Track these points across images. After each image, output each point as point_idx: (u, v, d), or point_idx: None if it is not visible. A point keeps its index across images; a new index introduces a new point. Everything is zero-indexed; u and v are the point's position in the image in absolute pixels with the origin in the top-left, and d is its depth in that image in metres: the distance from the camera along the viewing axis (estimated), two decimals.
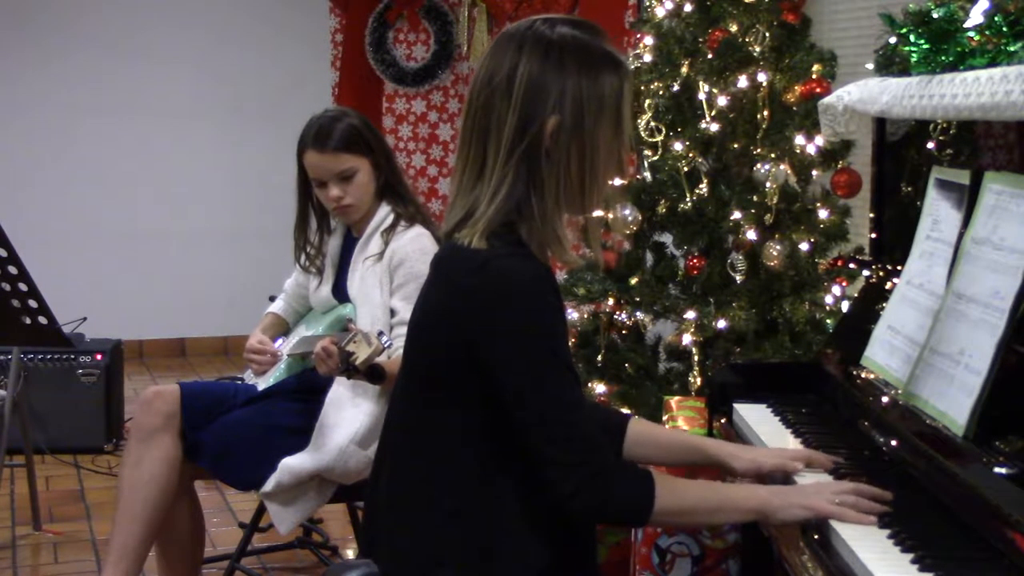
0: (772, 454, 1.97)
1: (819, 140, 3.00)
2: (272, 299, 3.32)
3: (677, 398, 2.82)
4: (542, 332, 1.71)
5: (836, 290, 3.00)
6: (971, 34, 1.91)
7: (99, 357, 4.77)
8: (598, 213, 2.14)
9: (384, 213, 3.01)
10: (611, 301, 3.29)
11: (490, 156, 1.74)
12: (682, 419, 2.69)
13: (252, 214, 6.57)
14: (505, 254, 1.71)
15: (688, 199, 3.16)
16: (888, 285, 2.27)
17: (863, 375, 2.16)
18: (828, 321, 2.98)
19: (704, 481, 1.93)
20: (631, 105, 1.84)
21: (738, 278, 3.09)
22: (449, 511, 1.77)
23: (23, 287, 3.36)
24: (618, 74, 1.77)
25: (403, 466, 1.82)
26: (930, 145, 2.23)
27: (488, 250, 1.71)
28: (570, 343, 2.12)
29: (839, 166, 2.96)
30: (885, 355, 2.09)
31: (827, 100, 2.42)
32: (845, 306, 2.84)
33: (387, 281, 2.94)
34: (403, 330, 2.84)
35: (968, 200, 1.94)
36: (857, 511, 1.71)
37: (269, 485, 2.85)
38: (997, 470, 1.61)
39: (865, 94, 2.24)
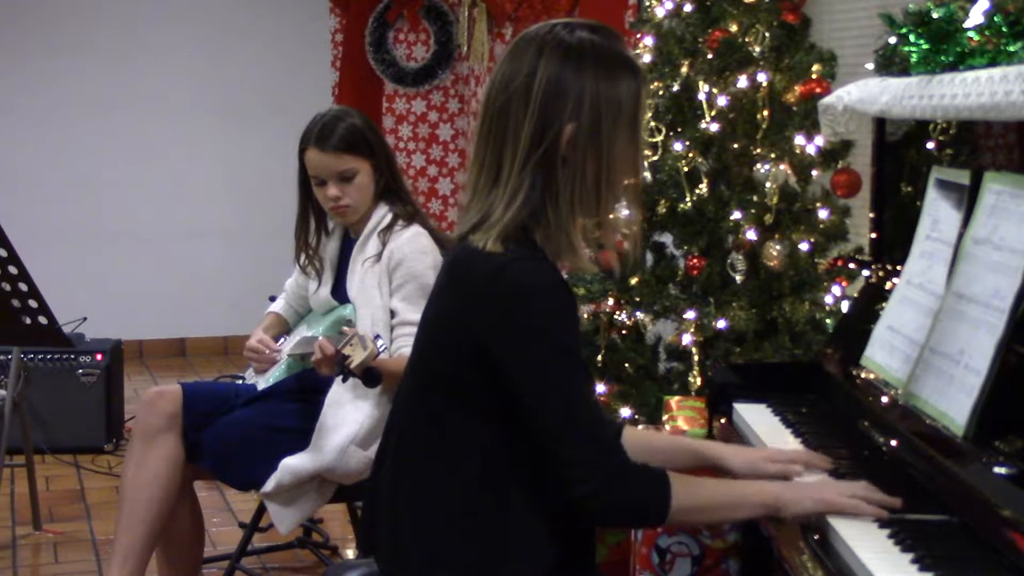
0: (769, 456, 1.97)
1: (819, 140, 3.00)
2: (272, 299, 3.32)
3: (677, 398, 2.82)
4: (559, 335, 1.72)
5: (836, 290, 3.00)
6: (971, 34, 1.91)
7: (99, 357, 4.76)
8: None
9: (382, 214, 3.01)
10: (611, 301, 3.29)
11: (506, 161, 1.75)
12: (682, 419, 2.68)
13: (252, 214, 6.57)
14: (521, 258, 1.72)
15: (688, 199, 3.16)
16: (888, 285, 2.28)
17: (863, 375, 2.16)
18: (828, 321, 2.98)
19: (716, 479, 1.92)
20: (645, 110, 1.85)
21: (738, 278, 3.09)
22: (455, 512, 1.77)
23: (23, 287, 3.36)
24: (636, 79, 1.78)
25: (408, 467, 1.82)
26: (930, 145, 2.23)
27: (503, 254, 1.71)
28: None
29: (839, 166, 2.96)
30: (885, 355, 2.09)
31: (827, 100, 2.42)
32: (845, 306, 2.84)
33: (386, 282, 2.94)
34: (405, 331, 2.86)
35: (968, 200, 1.94)
36: (868, 502, 1.71)
37: (269, 485, 2.85)
38: (997, 470, 1.61)
39: (865, 94, 2.24)
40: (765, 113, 3.09)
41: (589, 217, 1.80)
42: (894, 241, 2.38)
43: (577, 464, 1.70)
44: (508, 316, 1.70)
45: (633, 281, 3.26)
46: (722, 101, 3.12)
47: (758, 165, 3.06)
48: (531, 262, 1.73)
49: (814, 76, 3.04)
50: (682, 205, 3.18)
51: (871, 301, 2.36)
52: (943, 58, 1.97)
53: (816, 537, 1.71)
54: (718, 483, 1.89)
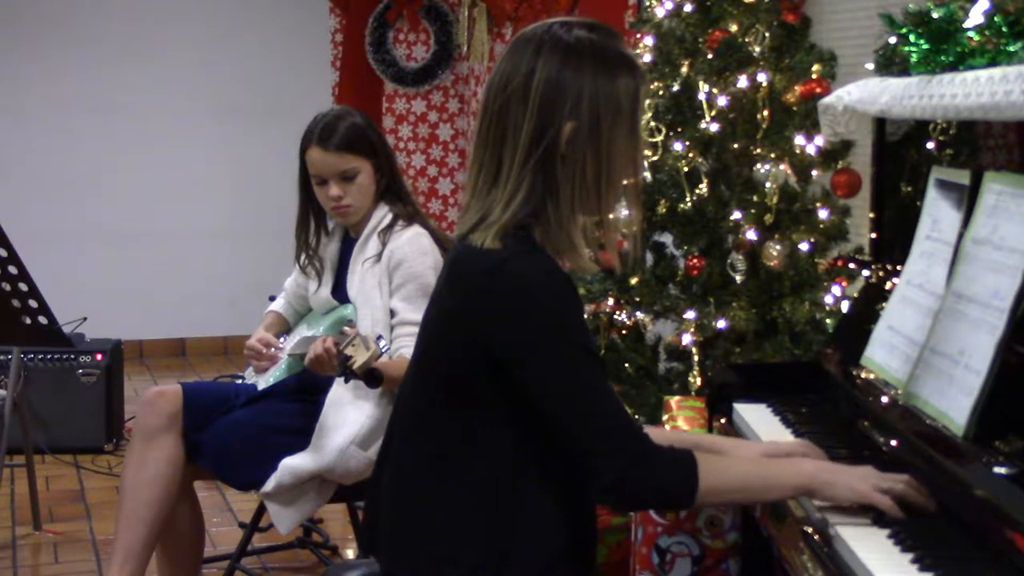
0: (767, 451, 1.96)
1: (819, 140, 3.00)
2: (272, 299, 3.32)
3: (677, 398, 2.82)
4: (567, 326, 1.72)
5: (836, 290, 3.00)
6: (971, 34, 1.91)
7: (99, 357, 4.76)
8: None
9: (382, 214, 3.01)
10: (611, 301, 3.29)
11: (505, 161, 1.75)
12: (682, 419, 2.69)
13: (252, 214, 6.57)
14: (520, 253, 1.72)
15: (688, 199, 3.16)
16: (888, 285, 2.28)
17: (863, 375, 2.16)
18: (828, 321, 2.98)
19: (747, 460, 1.92)
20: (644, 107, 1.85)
21: (738, 278, 3.09)
22: (460, 510, 1.77)
23: (23, 287, 3.36)
24: (634, 77, 1.78)
25: (411, 466, 1.82)
26: (930, 145, 2.23)
27: (503, 250, 1.71)
28: None
29: (839, 166, 2.97)
30: (885, 355, 2.09)
31: (827, 100, 2.42)
32: (845, 306, 2.84)
33: (386, 282, 2.94)
34: (404, 330, 2.86)
35: (968, 200, 1.94)
36: (908, 498, 1.70)
37: (269, 485, 2.85)
38: (997, 470, 1.61)
39: (865, 94, 2.24)
40: (765, 113, 3.09)
41: (590, 215, 1.80)
42: (894, 241, 2.38)
43: (597, 455, 1.71)
44: (514, 311, 1.71)
45: (633, 281, 3.26)
46: (722, 101, 3.12)
47: (758, 165, 3.06)
48: (531, 257, 1.73)
49: (814, 76, 3.04)
50: (682, 205, 3.18)
51: (871, 301, 2.36)
52: (943, 58, 1.97)
53: (816, 537, 1.71)
54: (749, 464, 1.87)
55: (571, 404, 1.71)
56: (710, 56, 3.14)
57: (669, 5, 3.28)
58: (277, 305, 3.27)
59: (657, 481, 1.72)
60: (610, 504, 1.81)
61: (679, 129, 3.21)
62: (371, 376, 2.71)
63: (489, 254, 1.72)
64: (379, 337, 2.74)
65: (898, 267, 2.21)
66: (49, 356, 4.71)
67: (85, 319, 4.80)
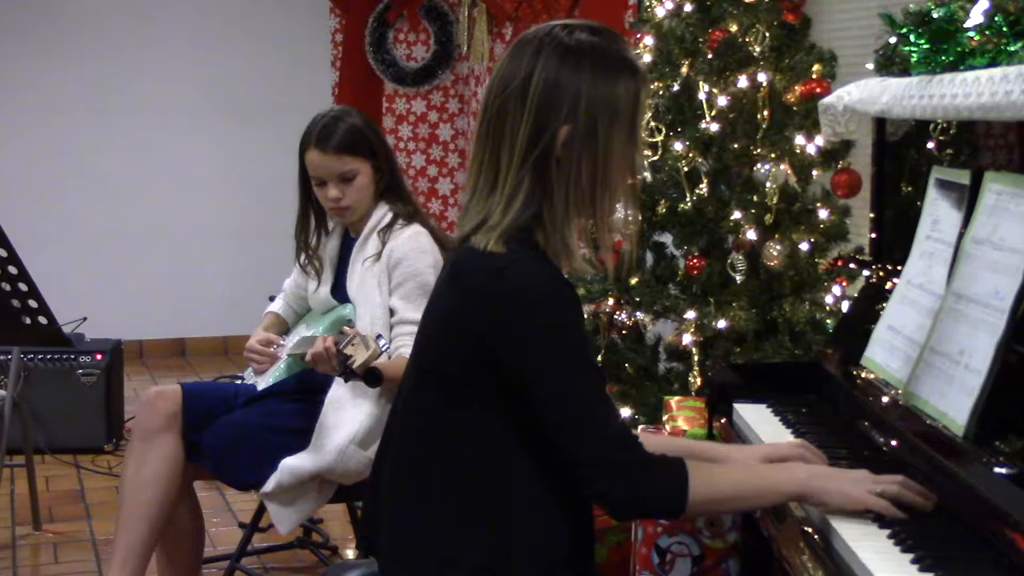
0: (766, 455, 1.96)
1: (819, 140, 3.00)
2: (271, 299, 3.32)
3: (677, 398, 2.82)
4: (565, 333, 1.72)
5: (836, 290, 3.01)
6: (971, 34, 1.91)
7: (99, 357, 4.76)
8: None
9: (382, 213, 3.01)
10: (611, 301, 3.29)
11: (503, 163, 1.75)
12: (682, 419, 2.69)
13: (252, 214, 6.57)
14: (523, 258, 1.72)
15: (688, 199, 3.16)
16: (888, 285, 2.28)
17: (863, 375, 2.16)
18: (828, 321, 2.98)
19: (740, 467, 1.92)
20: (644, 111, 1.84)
21: (738, 278, 3.09)
22: (461, 511, 1.77)
23: (23, 287, 3.36)
24: (634, 80, 1.77)
25: (411, 466, 1.82)
26: (930, 145, 2.23)
27: (506, 254, 1.71)
28: None
29: (839, 166, 2.96)
30: (885, 355, 2.09)
31: (827, 100, 2.42)
32: (845, 306, 2.84)
33: (386, 281, 2.94)
34: (403, 329, 2.86)
35: (968, 200, 1.94)
36: (903, 499, 1.70)
37: (269, 485, 2.85)
38: (997, 470, 1.61)
39: (865, 94, 2.24)
40: (765, 113, 3.09)
41: (586, 218, 1.80)
42: (894, 241, 2.38)
43: (589, 462, 1.71)
44: (512, 318, 1.71)
45: (633, 281, 3.26)
46: (722, 101, 3.12)
47: (758, 165, 3.06)
48: (533, 262, 1.73)
49: (814, 76, 3.04)
50: (682, 205, 3.18)
51: (871, 301, 2.36)
52: (943, 58, 1.97)
53: (816, 537, 1.71)
54: (741, 472, 1.88)
55: (566, 411, 1.71)
56: (710, 56, 3.14)
57: (669, 5, 3.28)
58: (275, 306, 3.27)
59: (647, 491, 1.73)
60: (607, 511, 1.81)
61: (679, 129, 3.21)
62: (371, 375, 2.71)
63: (492, 258, 1.72)
64: (379, 336, 2.74)
65: (898, 267, 2.21)
66: (49, 356, 4.71)
67: (85, 319, 4.81)
